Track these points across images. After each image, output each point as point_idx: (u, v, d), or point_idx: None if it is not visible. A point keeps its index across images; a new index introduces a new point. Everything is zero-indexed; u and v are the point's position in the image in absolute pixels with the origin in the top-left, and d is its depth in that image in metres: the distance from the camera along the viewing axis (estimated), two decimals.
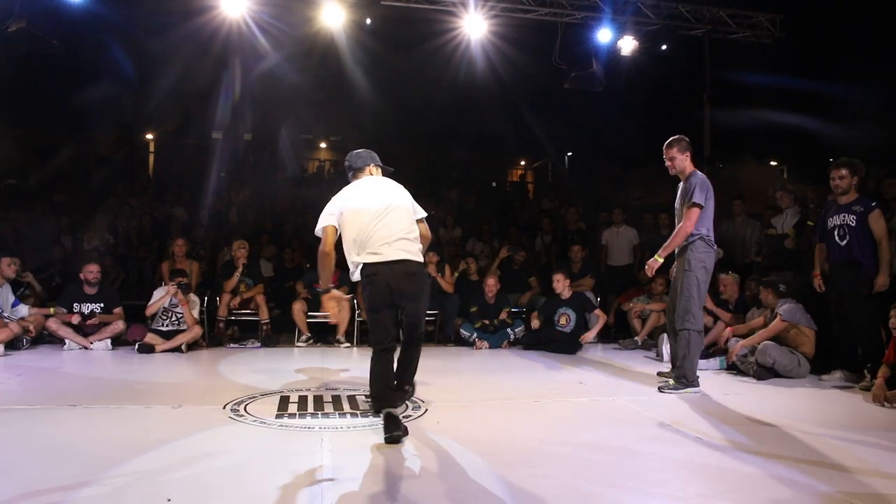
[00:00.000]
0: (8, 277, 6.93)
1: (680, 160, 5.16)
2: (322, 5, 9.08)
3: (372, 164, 4.39)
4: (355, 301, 7.76)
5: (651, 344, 7.46)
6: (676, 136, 5.24)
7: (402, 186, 4.29)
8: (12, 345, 6.57)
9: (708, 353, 6.46)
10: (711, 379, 5.70)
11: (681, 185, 5.27)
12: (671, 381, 5.14)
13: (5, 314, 6.72)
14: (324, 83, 13.54)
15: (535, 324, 7.53)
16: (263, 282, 7.93)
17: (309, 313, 7.70)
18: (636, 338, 7.73)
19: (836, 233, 5.65)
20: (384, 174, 4.43)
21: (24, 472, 3.05)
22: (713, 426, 4.09)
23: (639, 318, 7.87)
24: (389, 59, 11.97)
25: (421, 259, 4.08)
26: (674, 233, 5.14)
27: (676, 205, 5.34)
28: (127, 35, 10.80)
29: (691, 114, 12.07)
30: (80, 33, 9.10)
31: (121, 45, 11.45)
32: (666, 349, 6.70)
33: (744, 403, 4.75)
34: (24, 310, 6.95)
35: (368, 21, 9.96)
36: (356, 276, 4.04)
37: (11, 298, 6.97)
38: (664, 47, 10.84)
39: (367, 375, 3.93)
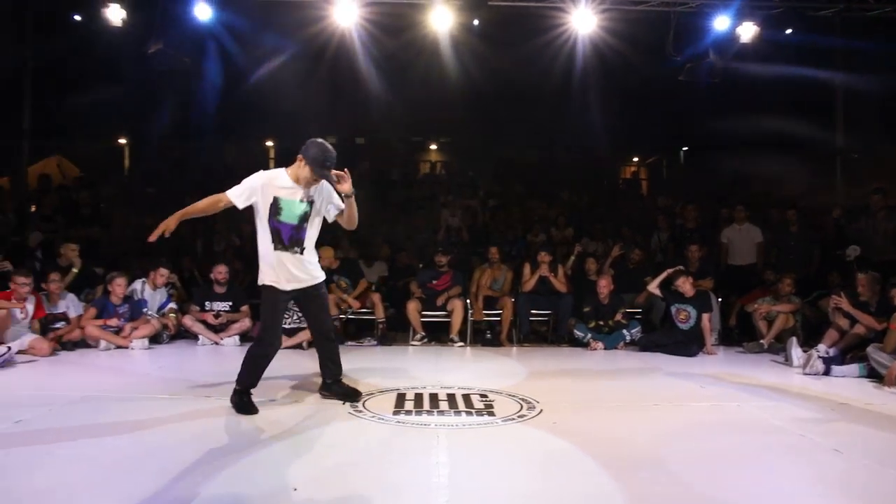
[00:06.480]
0: (158, 286, 7.59)
1: None
2: (430, 9, 9.23)
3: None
4: (468, 301, 7.84)
5: (779, 348, 7.01)
6: None
7: None
8: (154, 339, 7.20)
9: (844, 359, 6.01)
10: (851, 387, 5.29)
11: None
12: None
13: (149, 312, 7.35)
14: (432, 86, 13.72)
15: (653, 285, 7.49)
16: (368, 280, 8.18)
17: (423, 312, 7.85)
18: (762, 341, 7.29)
19: None
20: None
21: (169, 456, 3.30)
22: (854, 438, 3.79)
23: (764, 319, 7.43)
24: (496, 59, 11.95)
25: None
26: None
27: None
28: (251, 47, 11.39)
29: (820, 99, 11.25)
30: (205, 48, 9.79)
31: (246, 57, 12.09)
32: (796, 353, 6.27)
33: (888, 414, 4.37)
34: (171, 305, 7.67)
35: (476, 22, 10.00)
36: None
37: (161, 300, 7.61)
38: (789, 31, 10.13)
39: (474, 374, 3.95)
